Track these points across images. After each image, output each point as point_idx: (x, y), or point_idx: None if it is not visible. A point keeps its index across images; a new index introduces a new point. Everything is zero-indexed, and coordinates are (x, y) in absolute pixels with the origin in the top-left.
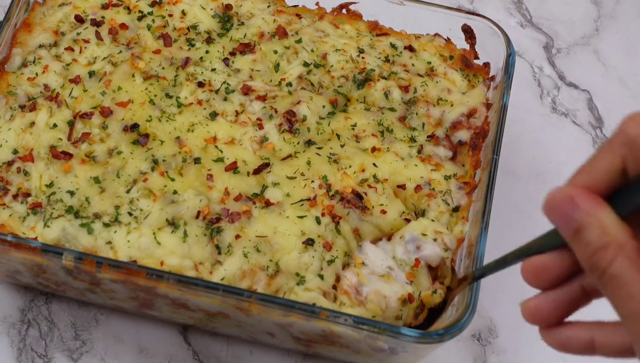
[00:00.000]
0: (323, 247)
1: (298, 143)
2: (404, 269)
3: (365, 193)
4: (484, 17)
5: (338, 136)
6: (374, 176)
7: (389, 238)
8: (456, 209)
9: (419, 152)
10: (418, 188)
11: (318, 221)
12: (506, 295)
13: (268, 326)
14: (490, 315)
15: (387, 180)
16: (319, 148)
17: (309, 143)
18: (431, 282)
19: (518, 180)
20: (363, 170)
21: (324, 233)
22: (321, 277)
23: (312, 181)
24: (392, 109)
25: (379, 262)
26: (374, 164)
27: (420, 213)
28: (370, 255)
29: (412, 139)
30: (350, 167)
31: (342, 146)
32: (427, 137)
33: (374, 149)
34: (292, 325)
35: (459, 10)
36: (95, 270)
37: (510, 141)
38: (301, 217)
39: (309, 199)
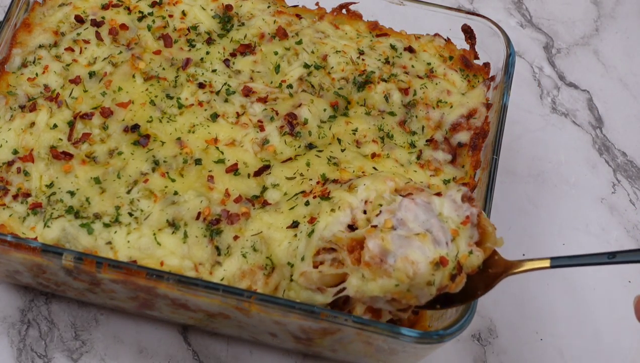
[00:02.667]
0: (308, 223)
1: (299, 146)
2: (449, 226)
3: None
4: (483, 17)
5: (339, 141)
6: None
7: (438, 195)
8: None
9: (418, 157)
10: None
11: (307, 204)
12: (506, 295)
13: (269, 326)
14: (491, 316)
15: None
16: (320, 151)
17: (310, 146)
18: (471, 245)
19: (518, 180)
20: (363, 172)
21: (311, 211)
22: (302, 258)
23: (310, 179)
24: (392, 113)
25: (418, 221)
26: (374, 168)
27: None
28: (406, 213)
29: (412, 145)
30: (349, 167)
31: (342, 150)
32: (426, 141)
33: (373, 155)
34: (291, 322)
35: (458, 10)
36: (95, 270)
37: (510, 141)
38: (292, 208)
39: (303, 192)
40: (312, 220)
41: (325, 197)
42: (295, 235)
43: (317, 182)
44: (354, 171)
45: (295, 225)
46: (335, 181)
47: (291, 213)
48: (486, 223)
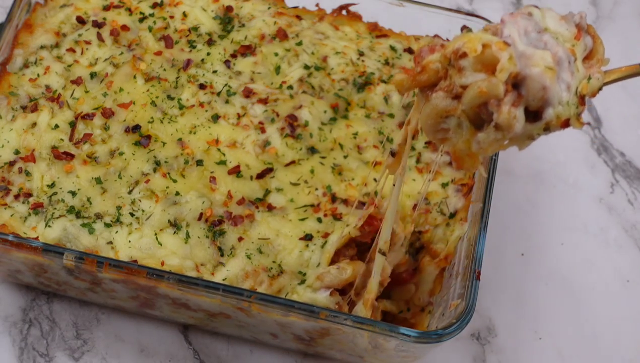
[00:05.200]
0: (322, 238)
1: (301, 149)
2: (563, 44)
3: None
4: (482, 18)
5: (341, 146)
6: (376, 193)
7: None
8: (452, 216)
9: (418, 160)
10: (414, 207)
11: (320, 221)
12: (505, 294)
13: (270, 326)
14: (490, 315)
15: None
16: (323, 157)
17: (312, 150)
18: (589, 68)
19: (516, 180)
20: (365, 185)
21: (325, 228)
22: (318, 265)
23: (316, 189)
24: (391, 115)
25: (530, 38)
26: (375, 179)
27: (418, 231)
28: (512, 29)
29: (411, 147)
30: (353, 179)
31: (345, 157)
32: (425, 143)
33: (375, 164)
34: (294, 322)
35: (458, 11)
36: (96, 269)
37: None
38: (303, 220)
39: (312, 205)
40: (326, 236)
41: (337, 218)
42: (307, 246)
43: (324, 194)
44: (358, 184)
45: (308, 238)
46: (344, 201)
47: (301, 225)
48: (594, 31)
